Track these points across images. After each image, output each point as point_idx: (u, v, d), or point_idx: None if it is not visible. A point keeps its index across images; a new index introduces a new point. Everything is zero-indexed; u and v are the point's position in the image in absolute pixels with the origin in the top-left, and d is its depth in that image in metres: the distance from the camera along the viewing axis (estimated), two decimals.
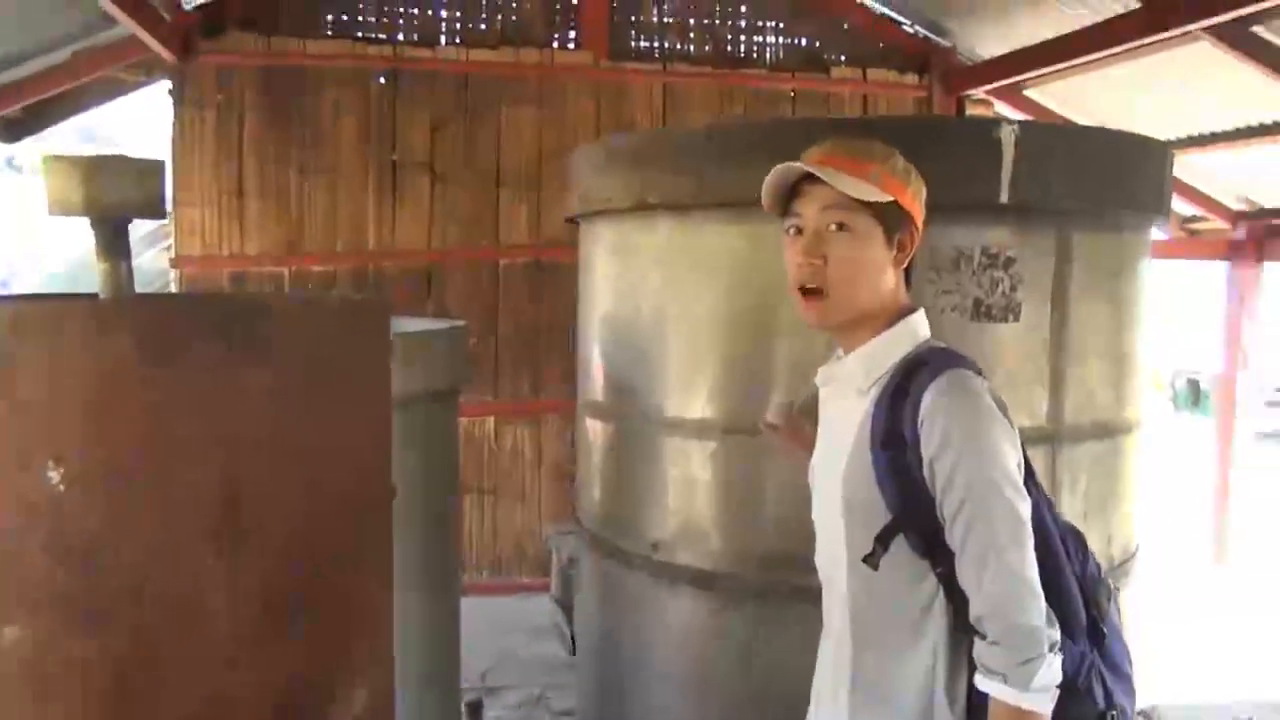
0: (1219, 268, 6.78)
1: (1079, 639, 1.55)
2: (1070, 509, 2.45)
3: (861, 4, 6.15)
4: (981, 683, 1.48)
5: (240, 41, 5.39)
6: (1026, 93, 6.15)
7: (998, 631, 1.45)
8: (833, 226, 1.57)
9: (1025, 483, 1.53)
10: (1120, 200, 2.46)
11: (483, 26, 5.76)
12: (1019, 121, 2.34)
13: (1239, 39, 4.62)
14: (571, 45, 5.84)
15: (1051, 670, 1.44)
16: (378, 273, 5.61)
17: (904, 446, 1.52)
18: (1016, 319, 2.36)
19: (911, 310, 1.64)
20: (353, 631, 1.53)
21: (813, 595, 2.38)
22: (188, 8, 5.38)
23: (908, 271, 1.66)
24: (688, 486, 2.61)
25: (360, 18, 5.62)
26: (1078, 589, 1.57)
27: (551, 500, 5.88)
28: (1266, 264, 6.66)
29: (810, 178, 1.59)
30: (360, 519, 1.51)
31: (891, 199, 1.57)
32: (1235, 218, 6.52)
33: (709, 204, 2.45)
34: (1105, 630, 1.59)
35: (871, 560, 1.56)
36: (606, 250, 2.83)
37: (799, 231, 1.61)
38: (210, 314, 1.35)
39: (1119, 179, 2.44)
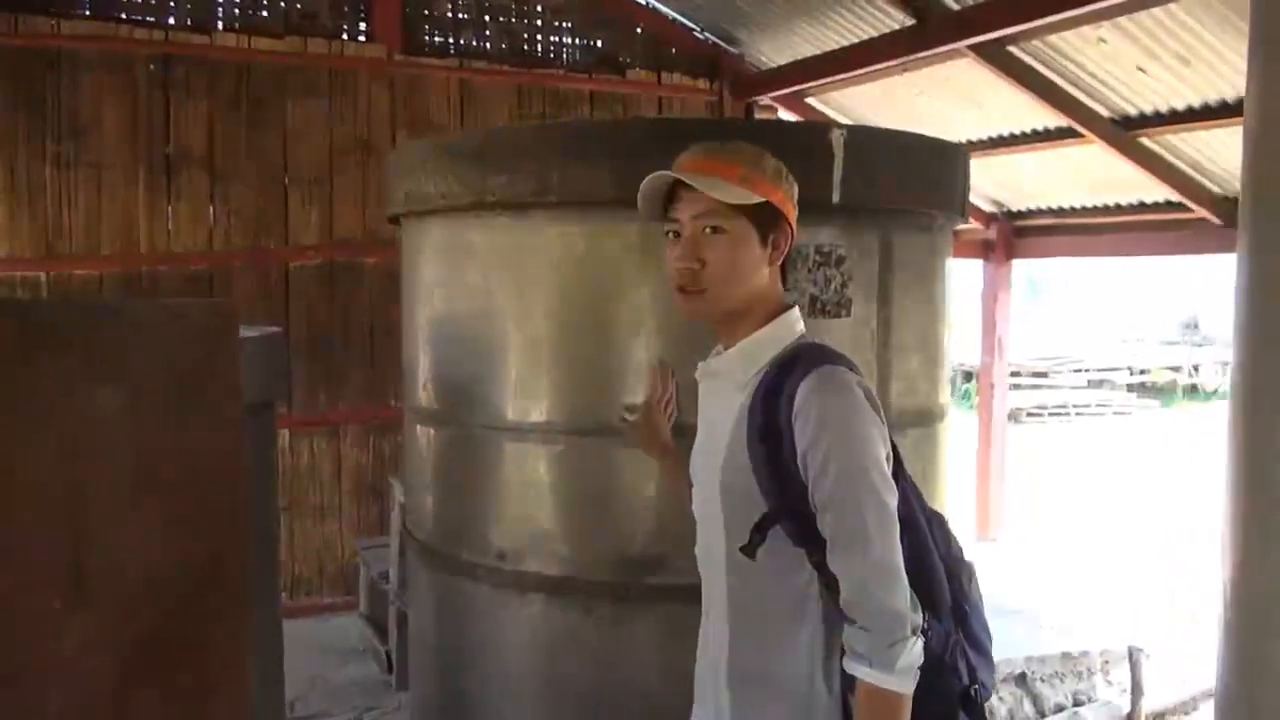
0: (975, 265, 7.44)
1: (944, 618, 1.64)
2: None
3: (654, 10, 6.27)
4: (849, 666, 1.55)
5: None
6: (809, 100, 6.49)
7: (864, 616, 1.52)
8: (708, 230, 1.62)
9: (895, 472, 1.61)
10: (932, 201, 2.62)
11: (264, 14, 5.42)
12: (847, 126, 2.46)
13: (996, 57, 5.07)
14: (362, 38, 5.60)
15: (913, 652, 1.52)
16: (151, 277, 5.15)
17: (779, 439, 1.57)
18: (849, 314, 2.47)
19: (787, 307, 1.70)
20: (212, 681, 1.38)
21: (672, 594, 2.42)
22: None
23: (783, 268, 1.72)
24: (534, 492, 2.55)
25: None
26: (943, 571, 1.66)
27: (354, 514, 5.62)
28: (1014, 261, 7.37)
29: (684, 182, 1.62)
30: (218, 557, 1.37)
31: (763, 200, 1.62)
32: (988, 220, 7.16)
33: (552, 203, 2.40)
34: (967, 609, 1.69)
35: (749, 549, 1.59)
36: (438, 250, 2.72)
37: (677, 235, 1.66)
38: (51, 321, 1.18)
39: (931, 181, 2.61)
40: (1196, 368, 21.13)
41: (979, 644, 1.69)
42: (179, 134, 5.17)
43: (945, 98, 5.78)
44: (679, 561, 2.39)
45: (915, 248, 2.63)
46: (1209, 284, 27.37)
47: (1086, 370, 19.39)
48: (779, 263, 1.70)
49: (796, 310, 1.71)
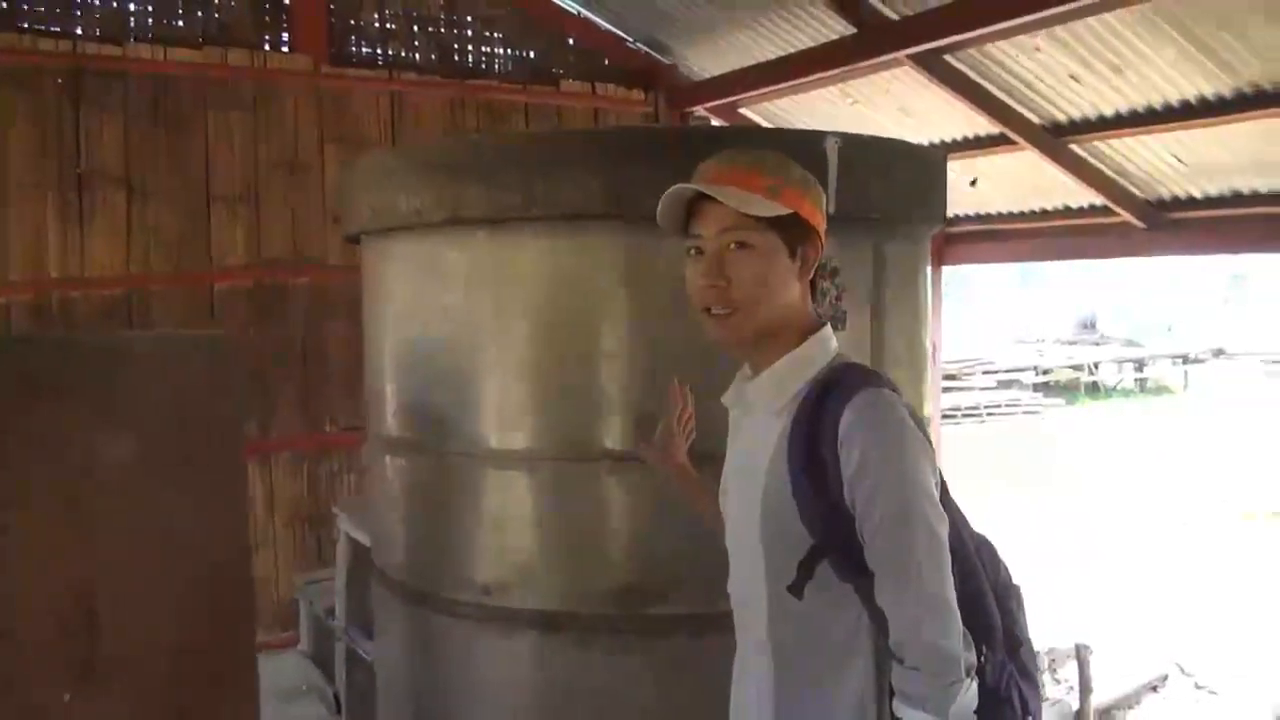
0: None
1: (997, 649, 1.56)
2: None
3: (586, 20, 6.18)
4: (900, 709, 1.44)
5: None
6: (742, 110, 6.47)
7: (917, 656, 1.42)
8: (733, 246, 1.52)
9: (941, 499, 1.53)
10: (919, 209, 2.59)
11: (180, 23, 5.14)
12: (840, 134, 2.40)
13: (933, 66, 5.12)
14: (285, 48, 5.36)
15: (969, 695, 1.43)
16: (64, 304, 4.82)
17: (824, 468, 1.47)
18: (844, 327, 2.40)
19: (819, 325, 1.60)
20: None
21: (673, 625, 2.31)
22: None
23: (812, 283, 1.62)
24: (520, 522, 2.42)
25: (28, 6, 4.81)
26: (993, 599, 1.59)
27: (289, 547, 5.36)
28: (945, 267, 7.48)
29: (705, 195, 1.52)
30: (231, 627, 1.21)
31: (791, 211, 1.52)
32: None
33: (535, 217, 2.28)
34: (1019, 636, 1.62)
35: (796, 588, 1.49)
36: (407, 269, 2.57)
37: (699, 252, 1.55)
38: (53, 361, 1.02)
39: (918, 188, 2.58)
40: (1097, 366, 21.95)
41: (1029, 673, 1.62)
42: (91, 151, 4.86)
43: (881, 106, 5.83)
44: (680, 591, 2.30)
45: (904, 257, 2.59)
46: (1105, 285, 28.54)
47: (996, 371, 19.95)
48: (809, 277, 1.59)
49: (829, 328, 1.60)
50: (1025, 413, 17.50)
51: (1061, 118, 5.38)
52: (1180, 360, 22.62)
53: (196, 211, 5.10)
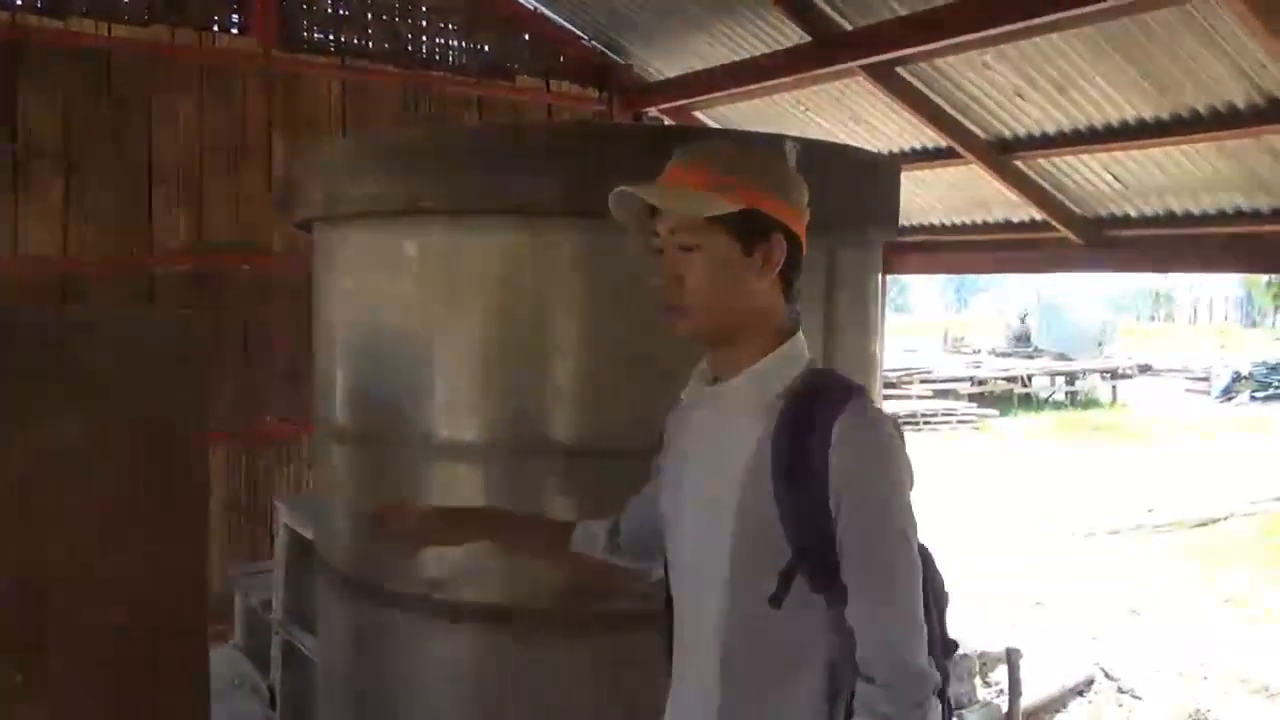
0: None
1: (936, 655, 1.58)
2: None
3: (541, 15, 6.16)
4: None
5: None
6: (696, 113, 6.51)
7: (887, 673, 1.40)
8: (680, 249, 1.48)
9: None
10: (872, 216, 2.63)
11: None
12: (798, 139, 2.42)
13: (886, 77, 5.21)
14: (235, 30, 5.26)
15: (935, 714, 1.43)
16: None
17: (811, 476, 1.42)
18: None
19: (794, 327, 1.56)
20: None
21: (618, 622, 2.31)
22: None
23: (788, 280, 1.54)
24: None
25: None
26: (934, 608, 1.61)
27: (224, 538, 5.25)
28: (885, 276, 7.60)
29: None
30: (181, 613, 1.19)
31: (741, 207, 1.46)
32: None
33: (492, 209, 2.27)
34: (946, 642, 1.60)
35: (776, 599, 1.44)
36: (360, 258, 2.54)
37: (660, 250, 1.52)
38: (4, 335, 0.99)
39: (871, 195, 2.62)
40: (1030, 378, 22.46)
41: (948, 673, 1.65)
42: (29, 127, 4.71)
43: (833, 115, 5.91)
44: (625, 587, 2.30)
45: (855, 264, 2.63)
46: (1039, 299, 29.22)
47: (933, 381, 20.31)
48: (774, 274, 1.51)
49: (801, 332, 1.57)
50: (960, 422, 17.84)
51: (1007, 134, 5.51)
52: (1109, 375, 23.25)
53: (137, 193, 4.98)
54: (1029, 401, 21.42)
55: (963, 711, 5.45)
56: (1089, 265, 6.20)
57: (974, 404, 19.59)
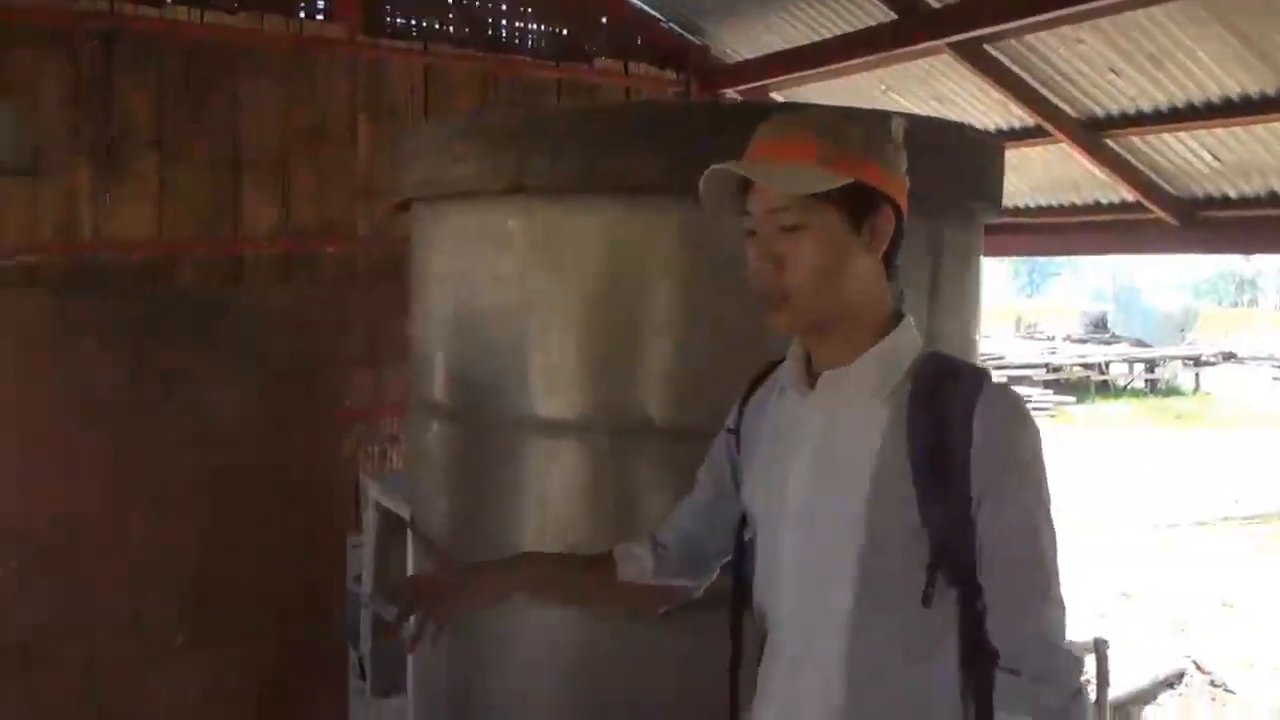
0: None
1: None
2: None
3: None
4: None
5: None
6: (774, 95, 6.43)
7: (1041, 666, 1.31)
8: (782, 229, 1.37)
9: None
10: (978, 194, 2.56)
11: None
12: (904, 114, 2.37)
13: (973, 55, 5.09)
14: (321, 16, 5.33)
15: (1089, 699, 1.39)
16: (95, 267, 4.80)
17: (953, 461, 1.34)
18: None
19: (898, 307, 1.47)
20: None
21: (712, 604, 2.29)
22: None
23: (890, 259, 1.45)
24: (566, 492, 2.41)
25: None
26: None
27: None
28: None
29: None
30: (328, 581, 1.20)
31: (850, 180, 1.36)
32: None
33: (597, 189, 2.26)
34: None
35: (928, 597, 1.35)
36: (464, 237, 2.55)
37: (753, 233, 1.42)
38: (177, 312, 1.01)
39: (978, 173, 2.55)
40: (1107, 365, 21.90)
41: None
42: (124, 113, 4.83)
43: (915, 94, 5.79)
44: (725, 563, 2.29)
45: (960, 246, 2.57)
46: (1117, 284, 28.45)
47: (1007, 367, 19.92)
48: (882, 251, 1.42)
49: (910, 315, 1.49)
50: (1036, 409, 17.46)
51: (1099, 112, 5.34)
52: (1191, 362, 22.57)
53: (227, 178, 5.08)
54: (1107, 389, 20.90)
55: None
56: (1183, 246, 6.01)
57: (1049, 391, 19.18)
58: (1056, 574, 1.37)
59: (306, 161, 5.25)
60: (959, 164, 2.46)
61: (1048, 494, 1.38)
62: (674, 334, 2.32)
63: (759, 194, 1.39)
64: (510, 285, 2.45)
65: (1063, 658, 1.33)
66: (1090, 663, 5.23)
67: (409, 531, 3.37)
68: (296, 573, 1.02)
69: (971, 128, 2.56)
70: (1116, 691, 5.14)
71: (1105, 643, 5.11)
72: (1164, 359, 22.62)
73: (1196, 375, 21.91)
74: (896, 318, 1.45)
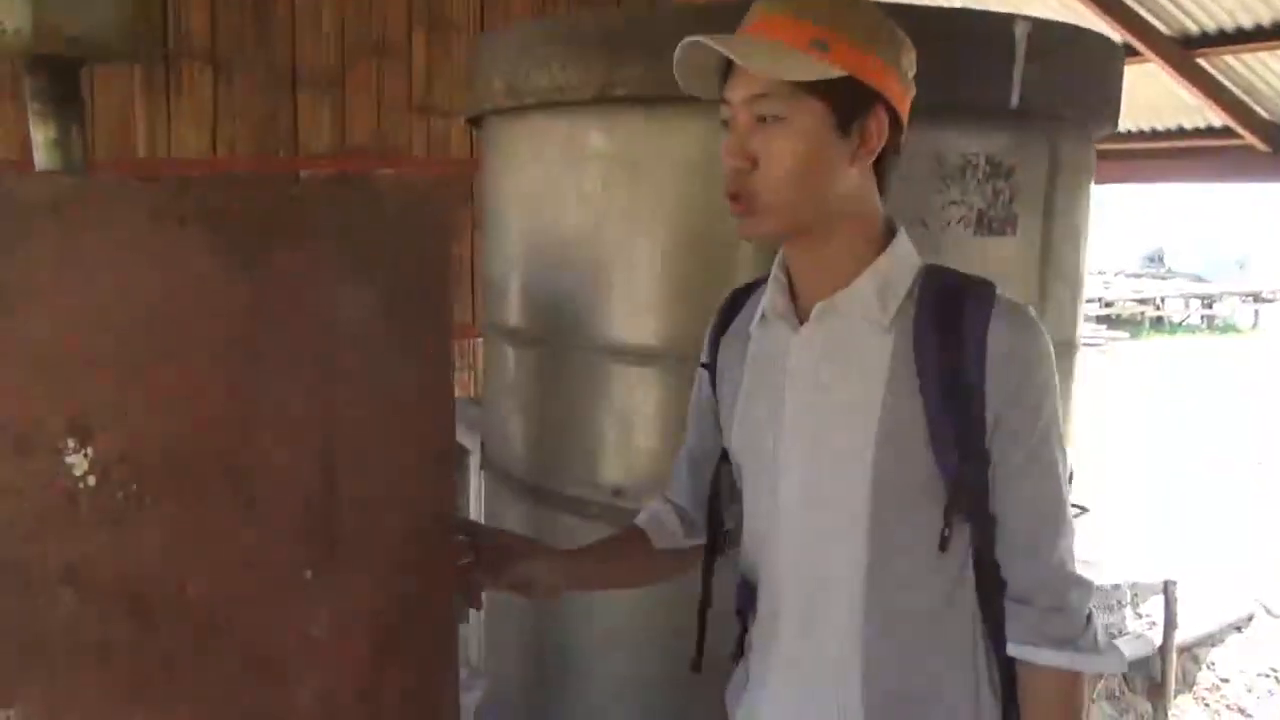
0: None
1: None
2: None
3: None
4: (1044, 658, 1.24)
5: None
6: None
7: (1057, 596, 1.24)
8: (761, 120, 1.20)
9: None
10: (1096, 107, 2.38)
11: None
12: (1028, 17, 2.18)
13: None
14: None
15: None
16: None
17: (971, 396, 1.20)
18: (1014, 233, 2.23)
19: (891, 223, 1.30)
20: (447, 655, 1.14)
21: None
22: None
23: (880, 172, 1.27)
24: (652, 421, 2.31)
25: None
26: None
27: None
28: None
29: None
30: (440, 509, 1.11)
31: (844, 74, 1.17)
32: None
33: (692, 96, 2.10)
34: None
35: (944, 542, 1.23)
36: (542, 152, 2.42)
37: (728, 125, 1.25)
38: (289, 201, 0.90)
39: (1098, 84, 2.36)
40: (1162, 300, 21.37)
41: None
42: (179, 27, 4.71)
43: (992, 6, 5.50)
44: None
45: (1075, 167, 2.39)
46: (1172, 216, 27.66)
47: None
48: (870, 162, 1.23)
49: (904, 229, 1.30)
50: (1087, 344, 17.13)
51: (1192, 28, 5.04)
52: (1250, 298, 21.96)
53: (282, 95, 4.96)
54: (1161, 324, 20.42)
55: (1113, 642, 5.25)
56: (1273, 174, 5.71)
57: (1102, 326, 18.77)
58: (1067, 503, 1.27)
59: (363, 78, 5.11)
60: (1080, 71, 2.27)
61: (1058, 418, 1.26)
62: (765, 257, 2.18)
63: (739, 78, 1.22)
64: (592, 202, 2.31)
65: (1074, 588, 1.25)
66: (1158, 604, 5.12)
67: (471, 461, 3.31)
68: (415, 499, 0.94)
69: (1093, 32, 2.36)
70: (1184, 634, 5.03)
71: (1174, 584, 4.99)
72: (1222, 295, 22.02)
73: (1256, 312, 21.32)
74: (889, 234, 1.29)
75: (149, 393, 0.76)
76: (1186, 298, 22.02)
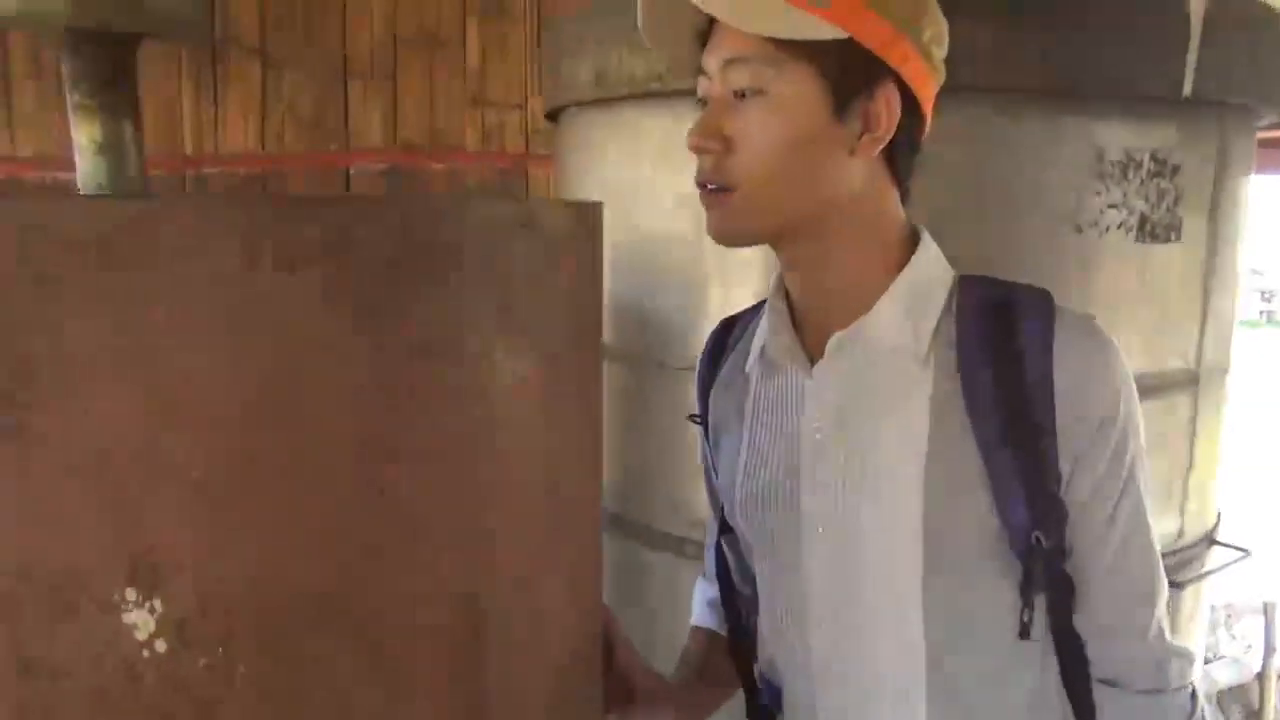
0: None
1: None
2: (1173, 470, 2.11)
3: None
4: None
5: None
6: None
7: (1157, 677, 1.01)
8: (738, 92, 0.97)
9: None
10: (1270, 91, 2.09)
11: None
12: None
13: None
14: None
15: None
16: (198, 182, 4.56)
17: (1040, 438, 0.95)
18: (1178, 238, 1.95)
19: (912, 227, 1.06)
20: None
21: None
22: None
23: (894, 165, 1.02)
24: None
25: None
26: None
27: None
28: None
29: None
30: (594, 622, 0.87)
31: (845, 36, 0.92)
32: None
33: None
34: None
35: (1025, 627, 0.99)
36: (635, 148, 2.18)
37: (703, 101, 1.03)
38: (436, 236, 0.65)
39: (1272, 68, 2.08)
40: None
41: None
42: (227, 18, 4.51)
43: None
44: None
45: (1241, 158, 2.11)
46: None
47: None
48: (876, 152, 0.99)
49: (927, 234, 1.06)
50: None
51: None
52: None
53: (333, 88, 4.76)
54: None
55: (1207, 667, 4.94)
56: None
57: None
58: (1159, 554, 1.03)
59: (415, 71, 4.89)
60: (1261, 54, 1.99)
61: (1143, 459, 1.01)
62: None
63: (718, 38, 0.99)
64: (694, 208, 2.06)
65: (1174, 661, 1.02)
66: (1252, 625, 4.81)
67: None
68: None
69: (1272, 8, 2.07)
70: None
71: (1274, 605, 4.68)
72: None
73: None
74: (913, 242, 1.04)
75: (241, 517, 0.52)
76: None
